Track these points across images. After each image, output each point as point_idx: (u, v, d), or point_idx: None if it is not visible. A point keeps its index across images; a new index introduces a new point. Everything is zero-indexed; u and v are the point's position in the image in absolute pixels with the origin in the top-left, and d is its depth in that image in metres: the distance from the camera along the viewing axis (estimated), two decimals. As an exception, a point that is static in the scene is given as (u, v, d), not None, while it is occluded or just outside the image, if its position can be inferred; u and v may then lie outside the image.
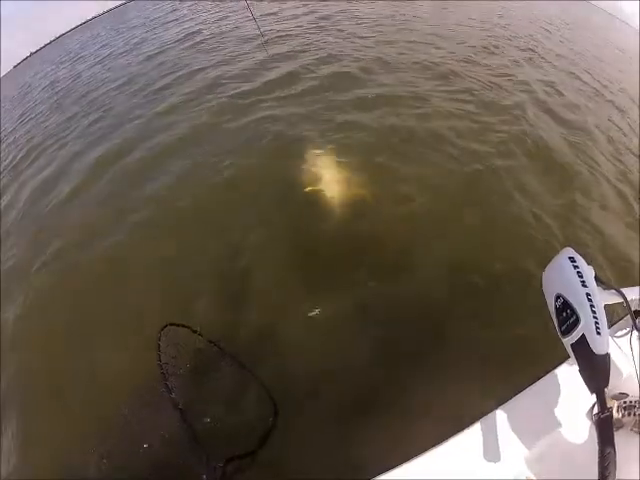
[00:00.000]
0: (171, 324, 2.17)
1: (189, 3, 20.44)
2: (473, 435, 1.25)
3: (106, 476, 1.96)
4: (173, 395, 1.77)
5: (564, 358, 1.32)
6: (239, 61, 8.78)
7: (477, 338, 2.87)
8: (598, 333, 0.92)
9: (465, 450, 1.22)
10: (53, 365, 3.00)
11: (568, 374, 1.33)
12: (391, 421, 2.30)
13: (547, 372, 1.35)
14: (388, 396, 2.53)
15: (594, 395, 0.92)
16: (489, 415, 1.27)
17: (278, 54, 8.55)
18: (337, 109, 5.97)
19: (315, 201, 4.10)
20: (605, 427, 0.90)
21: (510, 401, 1.30)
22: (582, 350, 0.94)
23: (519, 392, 1.31)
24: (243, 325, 3.01)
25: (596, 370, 0.93)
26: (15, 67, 37.14)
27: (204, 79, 8.11)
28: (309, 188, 4.31)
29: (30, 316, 3.55)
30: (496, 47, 9.49)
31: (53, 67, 18.39)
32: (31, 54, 39.64)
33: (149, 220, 4.36)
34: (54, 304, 3.62)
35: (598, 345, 0.91)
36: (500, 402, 1.30)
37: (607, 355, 0.92)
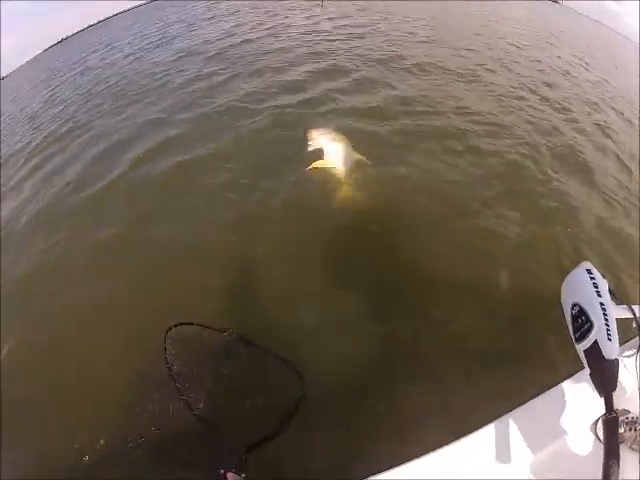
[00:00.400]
0: (177, 324, 2.12)
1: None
2: (476, 440, 1.27)
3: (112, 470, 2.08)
4: (185, 396, 1.77)
5: (567, 374, 1.38)
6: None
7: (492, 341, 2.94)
8: (609, 339, 1.01)
9: (467, 454, 1.25)
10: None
11: (573, 389, 1.37)
12: (400, 418, 2.36)
13: (553, 385, 1.39)
14: (403, 390, 2.59)
15: (602, 399, 1.00)
16: (494, 422, 1.30)
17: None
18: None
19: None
20: (611, 427, 0.99)
21: (515, 410, 1.33)
22: (594, 355, 1.02)
23: (524, 403, 1.34)
24: (258, 316, 3.04)
25: (606, 374, 1.01)
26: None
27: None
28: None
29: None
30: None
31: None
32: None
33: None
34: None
35: (609, 350, 1.00)
36: (505, 410, 1.33)
37: (616, 360, 1.00)
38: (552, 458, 1.27)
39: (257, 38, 11.52)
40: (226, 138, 5.71)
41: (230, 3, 20.22)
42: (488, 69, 8.91)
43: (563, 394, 1.39)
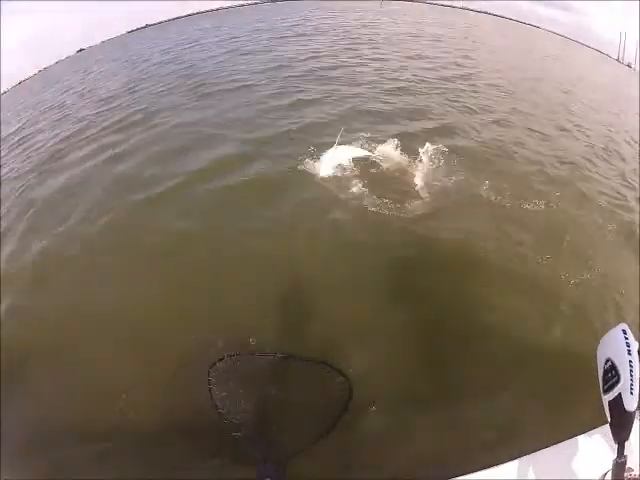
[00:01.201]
0: (221, 359, 2.27)
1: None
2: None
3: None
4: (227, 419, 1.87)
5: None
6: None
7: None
8: (631, 393, 1.13)
9: None
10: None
11: (585, 444, 1.50)
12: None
13: (565, 438, 1.51)
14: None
15: (617, 445, 1.16)
16: (505, 465, 1.43)
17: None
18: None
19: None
20: (621, 470, 1.17)
21: (524, 457, 1.45)
22: (616, 406, 1.16)
23: (535, 451, 1.47)
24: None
25: (623, 423, 1.16)
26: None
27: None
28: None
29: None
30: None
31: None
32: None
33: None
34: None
35: (629, 403, 1.14)
36: (517, 455, 1.45)
37: (634, 412, 1.14)
38: None
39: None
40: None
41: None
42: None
43: (575, 447, 1.50)
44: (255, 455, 1.69)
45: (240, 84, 10.48)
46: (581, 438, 1.53)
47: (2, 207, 6.58)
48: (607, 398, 1.18)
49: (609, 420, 1.17)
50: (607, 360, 1.22)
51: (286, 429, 1.97)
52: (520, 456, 1.45)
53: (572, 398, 3.07)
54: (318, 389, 2.17)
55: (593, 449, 1.49)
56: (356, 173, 6.02)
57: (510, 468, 1.43)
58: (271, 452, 1.74)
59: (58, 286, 4.45)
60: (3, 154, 9.66)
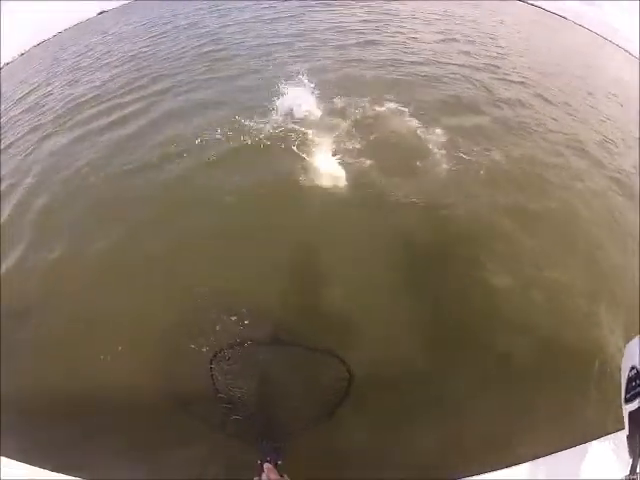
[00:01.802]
0: (221, 350, 2.27)
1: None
2: None
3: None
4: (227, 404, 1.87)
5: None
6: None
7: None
8: None
9: None
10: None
11: (596, 452, 1.43)
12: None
13: (577, 444, 1.45)
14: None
15: (631, 459, 1.03)
16: (513, 468, 1.39)
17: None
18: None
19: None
20: None
21: (537, 460, 1.40)
22: (636, 417, 1.07)
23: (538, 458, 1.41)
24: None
25: None
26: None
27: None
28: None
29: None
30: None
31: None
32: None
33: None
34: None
35: None
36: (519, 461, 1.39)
37: None
38: None
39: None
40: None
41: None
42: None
43: (586, 453, 1.44)
44: (255, 435, 1.71)
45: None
46: (593, 444, 1.46)
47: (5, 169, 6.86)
48: (628, 408, 1.10)
49: (627, 432, 1.08)
50: (632, 368, 1.13)
51: (286, 411, 1.99)
52: (530, 459, 1.41)
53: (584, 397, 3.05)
54: (319, 375, 2.19)
55: (604, 457, 1.43)
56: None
57: (519, 471, 1.39)
58: (271, 431, 1.75)
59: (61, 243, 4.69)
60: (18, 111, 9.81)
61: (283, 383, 2.20)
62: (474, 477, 1.38)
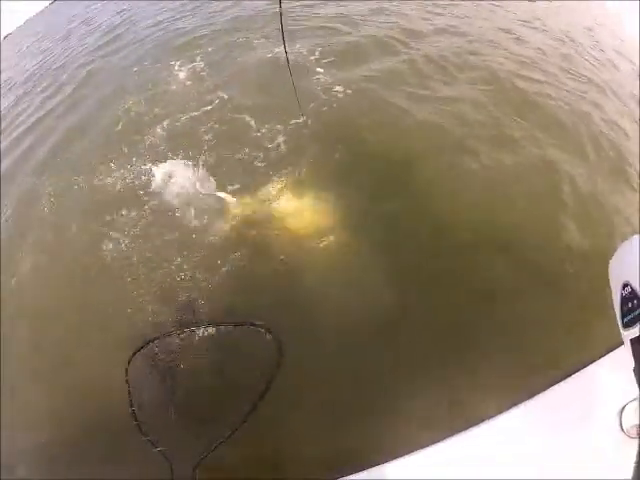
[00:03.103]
0: (138, 350, 1.95)
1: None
2: (492, 427, 1.27)
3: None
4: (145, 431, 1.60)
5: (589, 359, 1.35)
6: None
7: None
8: None
9: (477, 445, 1.25)
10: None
11: (598, 374, 1.34)
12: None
13: (573, 372, 1.34)
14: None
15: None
16: (510, 411, 1.29)
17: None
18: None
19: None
20: None
21: (537, 396, 1.31)
22: None
23: (542, 391, 1.31)
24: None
25: None
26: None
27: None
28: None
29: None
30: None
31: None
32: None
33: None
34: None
35: None
36: (523, 398, 1.29)
37: None
38: (573, 448, 1.24)
39: None
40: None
41: None
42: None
43: (587, 379, 1.34)
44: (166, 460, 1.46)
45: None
46: (592, 368, 1.34)
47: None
48: (629, 335, 0.90)
49: (633, 363, 0.89)
50: (625, 285, 0.93)
51: (204, 422, 1.69)
52: (531, 395, 1.30)
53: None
54: (247, 354, 1.94)
55: (607, 379, 1.32)
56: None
57: (524, 408, 1.29)
58: (179, 457, 1.45)
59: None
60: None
61: (213, 368, 1.97)
62: (473, 428, 1.27)
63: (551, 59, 6.02)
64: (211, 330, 2.03)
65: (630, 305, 0.91)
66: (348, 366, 2.41)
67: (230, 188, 3.89)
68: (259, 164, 4.04)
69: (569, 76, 5.73)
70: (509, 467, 1.21)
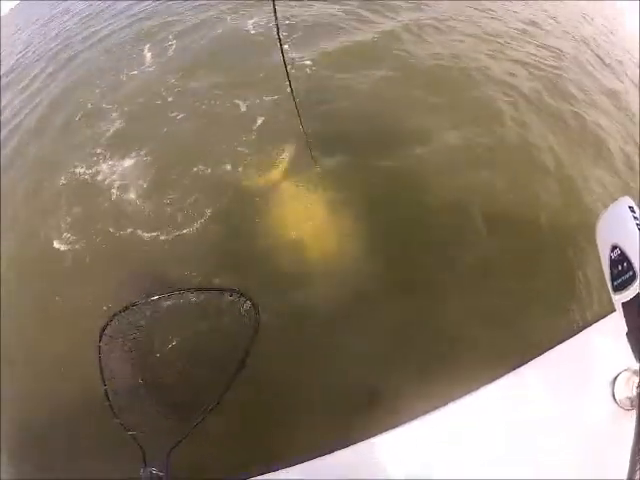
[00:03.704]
0: (112, 317, 1.79)
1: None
2: (483, 395, 1.24)
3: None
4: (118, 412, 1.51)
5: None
6: None
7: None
8: None
9: (470, 413, 1.23)
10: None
11: (590, 340, 1.33)
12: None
13: (566, 338, 1.30)
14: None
15: (637, 359, 0.86)
16: (505, 376, 1.27)
17: None
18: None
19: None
20: None
21: (524, 366, 1.28)
22: (634, 311, 0.87)
23: (534, 357, 1.28)
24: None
25: None
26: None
27: None
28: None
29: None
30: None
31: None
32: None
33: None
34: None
35: None
36: (513, 366, 1.27)
37: None
38: (564, 418, 1.23)
39: None
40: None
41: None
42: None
43: (579, 347, 1.32)
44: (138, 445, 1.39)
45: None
46: (584, 335, 1.32)
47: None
48: (620, 299, 0.89)
49: (626, 328, 0.88)
50: (614, 247, 0.91)
51: (177, 406, 1.56)
52: (524, 361, 1.29)
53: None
54: (221, 325, 1.81)
55: (599, 346, 1.31)
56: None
57: (517, 375, 1.28)
58: (154, 442, 1.35)
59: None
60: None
61: (185, 341, 1.86)
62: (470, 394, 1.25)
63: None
64: (180, 298, 1.87)
65: (620, 268, 0.90)
66: (329, 341, 2.38)
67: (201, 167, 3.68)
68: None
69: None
70: (501, 435, 1.20)
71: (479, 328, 2.45)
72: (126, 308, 1.84)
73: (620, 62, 5.54)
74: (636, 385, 1.20)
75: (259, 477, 1.16)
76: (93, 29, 8.29)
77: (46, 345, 2.86)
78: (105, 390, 1.55)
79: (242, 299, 1.72)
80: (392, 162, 3.53)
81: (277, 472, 1.17)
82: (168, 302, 1.86)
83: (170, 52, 5.98)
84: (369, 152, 3.61)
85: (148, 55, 6.12)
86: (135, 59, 6.07)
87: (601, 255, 0.98)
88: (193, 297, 1.85)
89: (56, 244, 3.56)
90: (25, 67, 8.00)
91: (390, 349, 2.41)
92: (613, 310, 1.12)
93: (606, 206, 1.01)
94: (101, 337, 1.74)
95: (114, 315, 1.80)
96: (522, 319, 2.54)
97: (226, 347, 1.66)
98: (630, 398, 1.22)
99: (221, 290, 1.81)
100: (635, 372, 1.24)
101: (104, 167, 4.17)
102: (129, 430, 1.38)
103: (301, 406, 2.21)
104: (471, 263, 2.85)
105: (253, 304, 1.67)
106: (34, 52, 8.72)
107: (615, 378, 1.26)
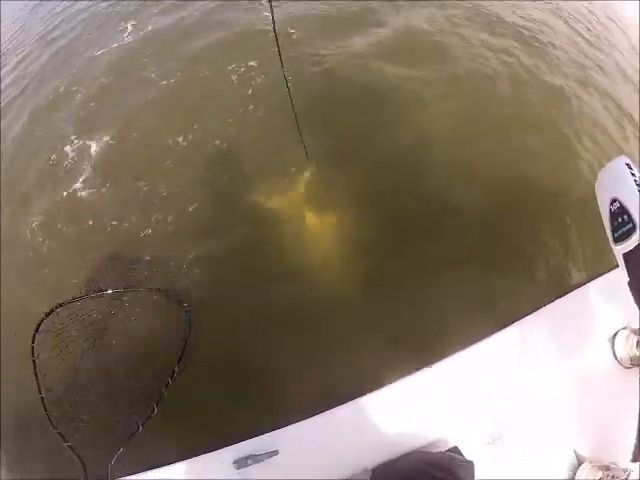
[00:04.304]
0: (38, 325, 1.74)
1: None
2: (486, 346, 1.25)
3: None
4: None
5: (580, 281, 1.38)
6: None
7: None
8: None
9: (475, 365, 1.24)
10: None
11: (590, 297, 1.33)
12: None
13: (565, 292, 1.32)
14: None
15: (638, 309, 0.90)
16: (507, 329, 1.28)
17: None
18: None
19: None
20: None
21: (528, 316, 1.29)
22: (635, 260, 0.91)
23: (537, 309, 1.30)
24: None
25: None
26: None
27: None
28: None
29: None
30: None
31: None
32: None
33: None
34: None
35: None
36: (516, 319, 1.28)
37: None
38: (564, 372, 1.24)
39: None
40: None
41: None
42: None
43: (577, 302, 1.33)
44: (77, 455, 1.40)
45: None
46: (583, 290, 1.34)
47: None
48: (621, 249, 0.94)
49: (627, 277, 0.94)
50: (614, 200, 0.96)
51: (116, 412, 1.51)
52: (523, 314, 1.31)
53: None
54: (157, 324, 1.78)
55: (599, 302, 1.32)
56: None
57: (518, 327, 1.29)
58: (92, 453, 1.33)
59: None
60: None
61: (122, 340, 1.79)
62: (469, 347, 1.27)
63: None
64: (117, 296, 1.81)
65: (620, 220, 0.94)
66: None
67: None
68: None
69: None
70: (502, 387, 1.23)
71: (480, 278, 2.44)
72: (52, 310, 1.76)
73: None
74: (636, 344, 1.25)
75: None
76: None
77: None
78: (42, 398, 1.54)
79: (177, 301, 1.68)
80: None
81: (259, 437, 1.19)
82: (101, 301, 1.80)
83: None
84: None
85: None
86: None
87: (601, 209, 1.02)
88: (126, 297, 1.80)
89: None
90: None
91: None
92: (609, 269, 1.26)
93: (602, 165, 1.06)
94: (34, 338, 1.69)
95: (48, 314, 1.74)
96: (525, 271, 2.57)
97: (163, 348, 1.65)
98: (630, 357, 1.26)
99: (155, 290, 1.76)
100: (634, 331, 1.28)
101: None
102: (67, 441, 1.39)
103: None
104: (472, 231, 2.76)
105: (180, 302, 1.63)
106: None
107: (614, 335, 1.29)
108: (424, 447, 1.14)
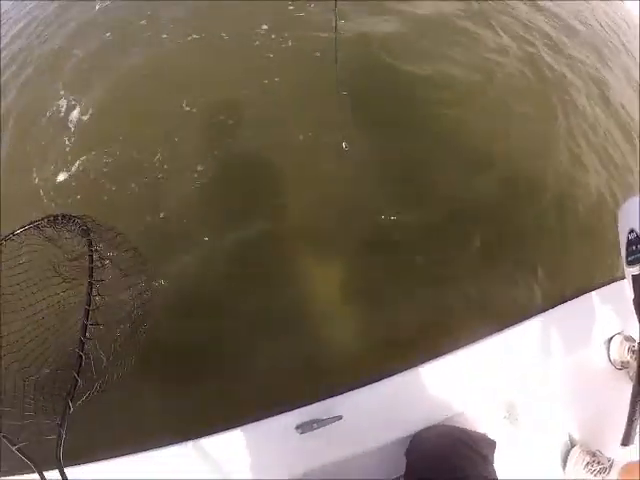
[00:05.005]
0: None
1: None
2: (497, 345, 1.36)
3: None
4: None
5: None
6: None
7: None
8: None
9: (474, 363, 1.34)
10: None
11: (590, 304, 1.48)
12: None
13: (572, 297, 1.48)
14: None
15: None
16: (519, 325, 1.40)
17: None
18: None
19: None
20: None
21: (537, 316, 1.43)
22: None
23: (547, 310, 1.44)
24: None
25: None
26: None
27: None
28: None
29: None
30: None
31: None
32: None
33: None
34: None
35: None
36: (519, 320, 1.40)
37: None
38: (565, 366, 1.38)
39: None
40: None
41: None
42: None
43: (581, 307, 1.48)
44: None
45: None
46: (587, 297, 1.50)
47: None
48: (631, 271, 1.08)
49: (632, 296, 1.07)
50: (631, 230, 1.09)
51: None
52: (527, 317, 1.43)
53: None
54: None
55: (600, 309, 1.47)
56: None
57: (518, 330, 1.41)
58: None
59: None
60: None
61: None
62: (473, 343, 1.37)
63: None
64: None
65: (634, 247, 1.07)
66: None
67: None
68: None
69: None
70: (502, 383, 1.33)
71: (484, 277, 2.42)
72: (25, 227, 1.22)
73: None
74: (627, 349, 1.44)
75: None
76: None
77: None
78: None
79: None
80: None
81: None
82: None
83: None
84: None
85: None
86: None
87: (620, 236, 1.14)
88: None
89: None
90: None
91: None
92: (612, 280, 1.45)
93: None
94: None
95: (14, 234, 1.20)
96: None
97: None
98: (622, 360, 1.45)
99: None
100: (627, 338, 1.46)
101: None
102: (14, 444, 1.10)
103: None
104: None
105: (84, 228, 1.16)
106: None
107: (610, 339, 1.47)
108: (451, 418, 1.28)
